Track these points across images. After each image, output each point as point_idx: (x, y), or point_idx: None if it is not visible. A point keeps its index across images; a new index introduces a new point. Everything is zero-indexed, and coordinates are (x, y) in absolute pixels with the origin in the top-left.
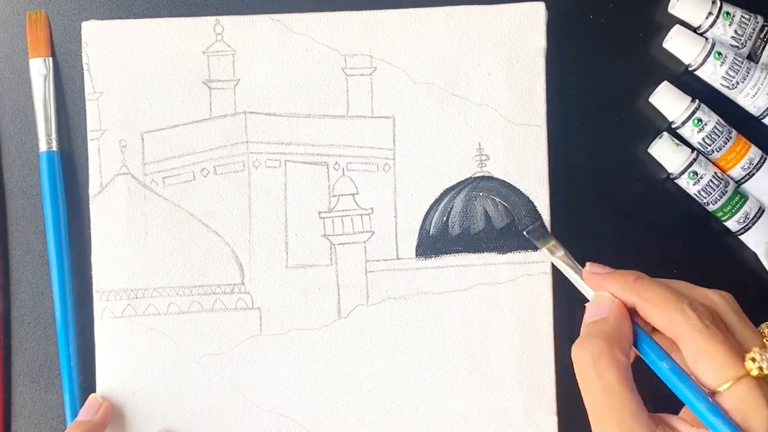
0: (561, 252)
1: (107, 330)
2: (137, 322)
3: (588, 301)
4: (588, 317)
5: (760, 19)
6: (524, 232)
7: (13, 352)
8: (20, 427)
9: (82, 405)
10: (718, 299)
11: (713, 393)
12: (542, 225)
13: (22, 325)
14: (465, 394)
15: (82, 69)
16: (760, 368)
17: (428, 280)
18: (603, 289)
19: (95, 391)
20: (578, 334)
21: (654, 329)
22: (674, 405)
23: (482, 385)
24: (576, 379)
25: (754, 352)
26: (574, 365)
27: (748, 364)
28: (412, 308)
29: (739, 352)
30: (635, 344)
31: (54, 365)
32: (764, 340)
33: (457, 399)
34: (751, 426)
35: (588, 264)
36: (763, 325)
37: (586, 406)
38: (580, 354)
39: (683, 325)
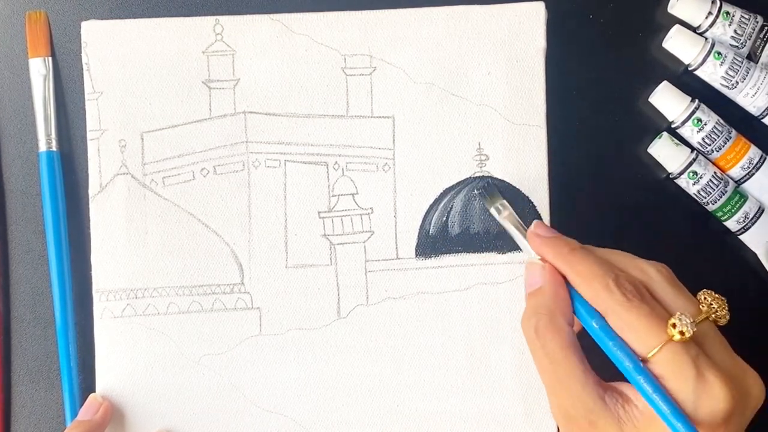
0: (507, 212)
1: (107, 330)
2: (137, 322)
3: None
4: (526, 287)
5: (759, 19)
6: (474, 190)
7: (13, 352)
8: (20, 427)
9: (82, 405)
10: (652, 271)
11: (644, 361)
12: (492, 185)
13: (22, 325)
14: (465, 394)
15: (82, 69)
16: (682, 332)
17: (428, 280)
18: (540, 252)
19: (95, 391)
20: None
21: None
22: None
23: (482, 385)
24: None
25: (675, 318)
26: (525, 339)
27: (670, 329)
28: (411, 308)
29: (664, 319)
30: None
31: (54, 365)
32: (700, 306)
33: (457, 399)
34: (677, 387)
35: (534, 223)
36: (700, 293)
37: (540, 378)
38: (526, 328)
39: (607, 300)
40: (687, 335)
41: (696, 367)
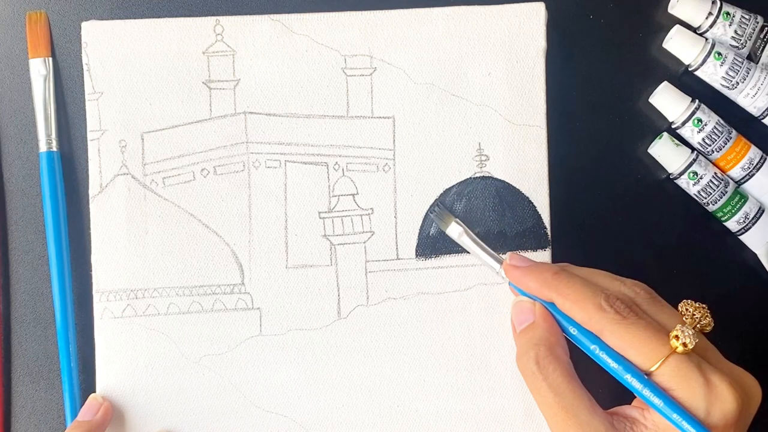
0: (461, 229)
1: (107, 330)
2: (137, 323)
3: (489, 270)
4: (517, 325)
5: (760, 19)
6: (429, 213)
7: (13, 352)
8: (20, 427)
9: (82, 405)
10: (632, 290)
11: (647, 375)
12: (441, 206)
13: (22, 325)
14: (465, 394)
15: (82, 69)
16: (684, 344)
17: (428, 281)
18: (522, 284)
19: (95, 391)
20: None
21: None
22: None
23: (482, 385)
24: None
25: (677, 330)
26: (523, 377)
27: (673, 342)
28: (412, 308)
29: (662, 332)
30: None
31: (54, 365)
32: (683, 318)
33: (457, 399)
34: (688, 397)
35: (508, 255)
36: (681, 304)
37: (543, 414)
38: (525, 362)
39: (602, 319)
40: (690, 346)
41: (702, 375)
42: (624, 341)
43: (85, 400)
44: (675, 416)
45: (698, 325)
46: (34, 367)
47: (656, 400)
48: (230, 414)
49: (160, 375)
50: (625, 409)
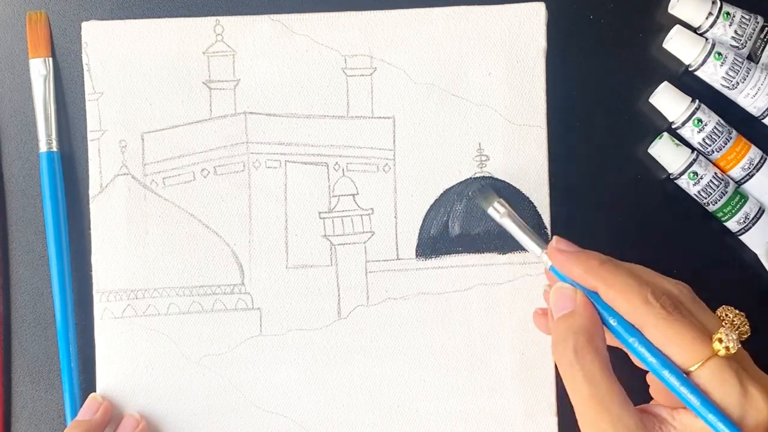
0: (505, 210)
1: (107, 330)
2: (137, 323)
3: (531, 254)
4: (556, 311)
5: (760, 19)
6: (468, 193)
7: (13, 352)
8: (20, 427)
9: (82, 405)
10: (676, 288)
11: (686, 374)
12: (486, 185)
13: (22, 325)
14: (465, 394)
15: (82, 69)
16: (727, 348)
17: (428, 281)
18: (566, 269)
19: (95, 391)
20: None
21: None
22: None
23: (482, 385)
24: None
25: (721, 333)
26: (557, 364)
27: (716, 344)
28: (412, 309)
29: (705, 333)
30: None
31: (54, 365)
32: (723, 323)
33: (457, 399)
34: (724, 400)
35: (555, 239)
36: (720, 309)
37: (573, 403)
38: (563, 351)
39: (647, 313)
40: (732, 350)
41: (740, 382)
42: (667, 337)
43: (85, 399)
44: (711, 417)
45: (737, 332)
46: (34, 367)
47: (693, 399)
48: (230, 414)
49: (160, 375)
50: (653, 407)
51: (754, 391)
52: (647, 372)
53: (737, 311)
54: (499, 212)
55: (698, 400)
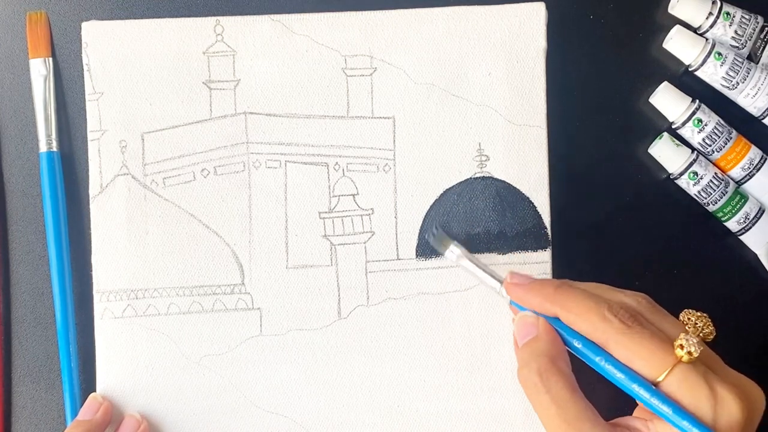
0: (459, 251)
1: (107, 330)
2: (137, 323)
3: (490, 288)
4: (520, 339)
5: (760, 19)
6: (425, 237)
7: (13, 352)
8: (20, 427)
9: (82, 405)
10: (634, 300)
11: (654, 385)
12: (439, 229)
13: (22, 325)
14: (465, 394)
15: (82, 69)
16: (689, 353)
17: (428, 281)
18: (524, 301)
19: (95, 391)
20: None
21: None
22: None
23: (482, 385)
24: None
25: (681, 339)
26: (523, 389)
27: (678, 351)
28: (412, 309)
29: (667, 342)
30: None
31: (54, 365)
32: (686, 327)
33: (457, 399)
34: (694, 406)
35: (509, 274)
36: (683, 314)
37: (544, 426)
38: (527, 375)
39: (607, 330)
40: (695, 355)
41: (708, 385)
42: (630, 351)
43: (85, 399)
44: (684, 423)
45: (701, 334)
46: (34, 367)
47: (665, 409)
48: (230, 414)
49: (160, 375)
50: (628, 420)
51: (724, 393)
52: None
53: (699, 313)
54: (455, 254)
55: (670, 408)
